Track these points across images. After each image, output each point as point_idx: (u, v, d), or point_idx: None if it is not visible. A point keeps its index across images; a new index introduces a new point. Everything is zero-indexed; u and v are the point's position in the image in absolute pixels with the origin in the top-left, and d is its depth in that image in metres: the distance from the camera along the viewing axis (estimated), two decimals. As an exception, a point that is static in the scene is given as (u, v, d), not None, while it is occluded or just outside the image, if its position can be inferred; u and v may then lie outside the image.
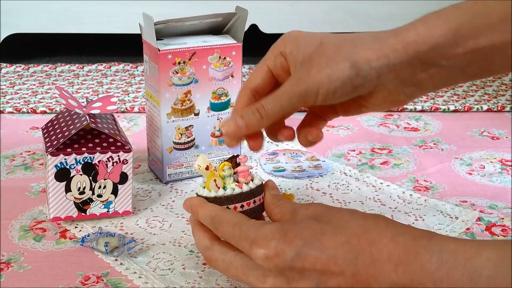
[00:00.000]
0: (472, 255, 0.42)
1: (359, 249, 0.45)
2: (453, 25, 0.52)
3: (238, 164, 0.57)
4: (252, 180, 0.56)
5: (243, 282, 0.51)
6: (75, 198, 0.65)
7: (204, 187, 0.56)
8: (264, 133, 0.59)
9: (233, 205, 0.54)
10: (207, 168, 0.56)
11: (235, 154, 0.58)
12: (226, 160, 0.57)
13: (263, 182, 0.57)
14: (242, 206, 0.55)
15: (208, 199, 0.55)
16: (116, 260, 0.60)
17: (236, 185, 0.55)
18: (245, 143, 0.58)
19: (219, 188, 0.55)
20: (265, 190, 0.57)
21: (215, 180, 0.55)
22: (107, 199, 0.66)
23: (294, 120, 0.59)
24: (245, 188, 0.55)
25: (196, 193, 0.57)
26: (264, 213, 0.57)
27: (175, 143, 0.75)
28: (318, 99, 0.52)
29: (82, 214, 0.66)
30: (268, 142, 0.89)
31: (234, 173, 0.56)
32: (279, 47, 0.57)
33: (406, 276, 0.43)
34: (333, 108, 0.59)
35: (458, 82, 0.56)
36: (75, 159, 0.64)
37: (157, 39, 0.72)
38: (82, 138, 0.65)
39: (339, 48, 0.52)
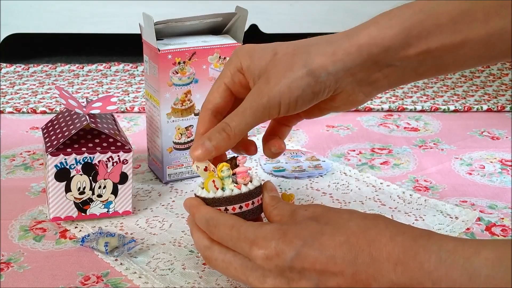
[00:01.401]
0: (471, 254, 0.42)
1: (358, 249, 0.45)
2: (405, 26, 0.53)
3: (237, 165, 0.57)
4: (251, 181, 0.56)
5: (242, 282, 0.51)
6: (75, 198, 0.65)
7: (203, 188, 0.56)
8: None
9: (231, 206, 0.54)
10: (205, 169, 0.55)
11: (235, 155, 0.57)
12: (225, 161, 0.57)
13: (262, 183, 0.57)
14: (240, 207, 0.55)
15: (206, 200, 0.55)
16: (116, 260, 0.60)
17: (234, 186, 0.55)
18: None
19: (217, 189, 0.55)
20: (264, 192, 0.57)
21: (213, 181, 0.55)
22: (107, 199, 0.66)
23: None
24: (244, 189, 0.55)
25: (195, 194, 0.57)
26: (262, 215, 0.57)
27: (175, 143, 0.75)
28: (281, 110, 0.53)
29: (82, 214, 0.66)
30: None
31: (233, 174, 0.56)
32: (235, 63, 0.56)
33: (405, 275, 0.43)
34: (296, 113, 0.58)
35: (412, 81, 0.57)
36: (75, 159, 0.64)
37: (157, 39, 0.72)
38: (82, 138, 0.65)
39: (293, 56, 0.53)
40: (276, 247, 0.47)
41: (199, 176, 0.77)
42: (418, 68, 0.54)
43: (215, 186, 0.55)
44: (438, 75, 0.57)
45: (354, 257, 0.45)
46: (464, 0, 0.52)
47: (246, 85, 0.56)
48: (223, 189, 0.55)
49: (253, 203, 0.55)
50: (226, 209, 0.54)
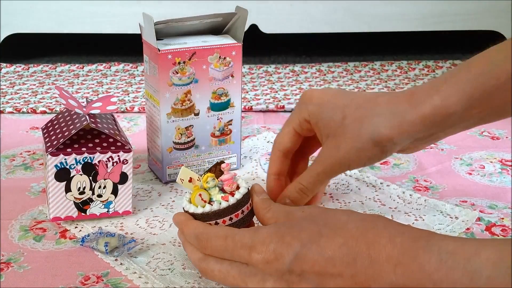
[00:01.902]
0: (472, 255, 0.42)
1: (357, 251, 0.45)
2: (467, 92, 0.54)
3: (222, 172, 0.56)
4: (238, 187, 0.56)
5: None
6: (75, 198, 0.65)
7: (191, 202, 0.55)
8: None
9: (221, 219, 0.54)
10: (190, 181, 0.55)
11: (218, 161, 0.57)
12: (209, 170, 0.56)
13: (249, 188, 0.57)
14: (230, 219, 0.54)
15: (195, 215, 0.55)
16: (116, 260, 0.60)
17: (222, 196, 0.54)
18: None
19: (205, 201, 0.55)
20: (253, 195, 0.56)
21: (200, 195, 0.55)
22: (107, 199, 0.66)
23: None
24: (232, 200, 0.54)
25: (183, 208, 0.56)
26: (255, 218, 0.57)
27: (175, 143, 0.75)
28: (350, 169, 0.60)
29: (82, 214, 0.66)
30: (267, 142, 0.89)
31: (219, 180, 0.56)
32: (303, 114, 0.61)
33: (405, 277, 0.43)
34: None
35: (471, 127, 0.59)
36: (75, 159, 0.64)
37: (157, 39, 0.72)
38: (82, 138, 0.65)
39: (361, 125, 0.57)
40: (275, 251, 0.47)
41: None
42: (479, 122, 0.57)
43: (202, 199, 0.55)
44: (500, 119, 0.59)
45: (353, 259, 0.45)
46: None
47: (312, 131, 0.62)
48: (210, 200, 0.55)
49: (242, 212, 0.55)
50: (216, 223, 0.54)
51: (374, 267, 0.44)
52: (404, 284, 0.43)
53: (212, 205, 0.54)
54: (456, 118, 0.55)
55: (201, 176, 0.56)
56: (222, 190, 0.56)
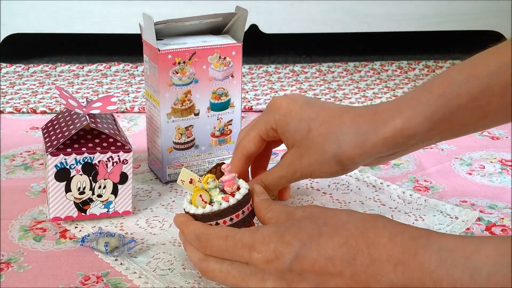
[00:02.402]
0: (472, 252, 0.42)
1: (357, 250, 0.45)
2: (428, 113, 0.56)
3: (222, 173, 0.56)
4: (238, 188, 0.56)
5: None
6: (75, 198, 0.65)
7: (191, 203, 0.55)
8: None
9: (222, 220, 0.54)
10: (190, 182, 0.55)
11: (219, 162, 0.57)
12: (210, 171, 0.56)
13: (249, 189, 0.57)
14: (231, 219, 0.54)
15: (196, 216, 0.55)
16: (116, 260, 0.60)
17: (222, 197, 0.54)
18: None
19: (206, 202, 0.55)
20: (254, 196, 0.57)
21: (201, 196, 0.55)
22: (107, 199, 0.66)
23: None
24: (232, 201, 0.54)
25: (184, 209, 0.56)
26: (255, 219, 0.57)
27: (175, 143, 0.75)
28: (311, 178, 0.63)
29: (82, 214, 0.66)
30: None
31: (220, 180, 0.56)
32: (271, 122, 0.62)
33: (405, 275, 0.43)
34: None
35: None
36: (75, 159, 0.64)
37: (157, 39, 0.72)
38: (82, 138, 0.65)
39: (325, 141, 0.59)
40: (275, 250, 0.47)
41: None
42: (440, 139, 0.60)
43: (203, 200, 0.55)
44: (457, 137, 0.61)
45: (353, 258, 0.45)
46: (481, 79, 0.55)
47: (278, 137, 0.64)
48: (211, 201, 0.55)
49: (243, 212, 0.55)
50: (217, 223, 0.54)
51: (374, 266, 0.44)
52: (404, 283, 0.43)
53: (212, 205, 0.54)
54: (418, 139, 0.57)
55: (201, 177, 0.56)
56: (222, 191, 0.56)
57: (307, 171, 0.61)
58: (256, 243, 0.48)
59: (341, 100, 1.07)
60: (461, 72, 0.56)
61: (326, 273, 0.46)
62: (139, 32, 0.75)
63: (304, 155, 0.60)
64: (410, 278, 0.43)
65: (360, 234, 0.46)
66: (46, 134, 0.67)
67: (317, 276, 0.46)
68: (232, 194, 0.55)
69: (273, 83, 1.18)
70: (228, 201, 0.54)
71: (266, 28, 1.32)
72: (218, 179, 0.56)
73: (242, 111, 0.80)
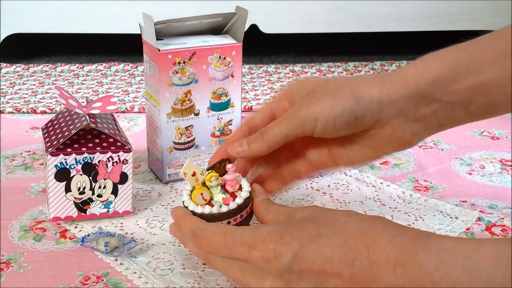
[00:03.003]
0: (471, 253, 0.42)
1: (356, 252, 0.45)
2: (451, 62, 0.53)
3: (226, 171, 0.56)
4: (240, 188, 0.56)
5: (242, 284, 0.51)
6: (75, 198, 0.65)
7: (191, 198, 0.55)
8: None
9: (220, 222, 0.54)
10: (193, 175, 0.55)
11: (224, 159, 0.57)
12: (213, 166, 0.56)
13: (250, 192, 0.56)
14: (228, 222, 0.54)
15: (195, 213, 0.55)
16: (116, 260, 0.60)
17: (223, 198, 0.54)
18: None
19: (205, 200, 0.55)
20: (253, 196, 0.56)
21: (202, 194, 0.55)
22: (107, 199, 0.66)
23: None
24: (232, 205, 0.54)
25: (183, 202, 0.56)
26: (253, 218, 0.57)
27: (175, 143, 0.75)
28: (318, 125, 0.54)
29: (82, 214, 0.66)
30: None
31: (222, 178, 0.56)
32: (285, 91, 0.59)
33: (404, 277, 0.43)
34: (333, 158, 0.60)
35: (462, 122, 0.56)
36: (75, 159, 0.64)
37: (157, 39, 0.72)
38: (82, 138, 0.65)
39: (342, 84, 0.55)
40: (275, 249, 0.47)
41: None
42: (469, 106, 0.54)
43: (203, 198, 0.55)
44: (488, 116, 0.56)
45: (352, 259, 0.45)
46: (505, 41, 0.53)
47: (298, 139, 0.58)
48: (211, 198, 0.55)
49: (241, 216, 0.55)
50: None
51: (373, 267, 0.44)
52: (403, 284, 0.43)
53: (212, 206, 0.54)
54: (440, 88, 0.53)
55: (205, 171, 0.56)
56: (223, 187, 0.56)
57: (314, 109, 0.54)
58: (256, 242, 0.48)
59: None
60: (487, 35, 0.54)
61: (325, 273, 0.46)
62: (139, 32, 0.75)
63: (316, 96, 0.55)
64: (409, 280, 0.43)
65: (359, 235, 0.46)
66: (46, 134, 0.67)
67: (316, 276, 0.46)
68: (233, 195, 0.55)
69: (273, 83, 1.18)
70: (228, 205, 0.54)
71: (266, 28, 1.32)
72: (221, 176, 0.56)
73: (242, 111, 0.80)
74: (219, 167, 0.56)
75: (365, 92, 0.53)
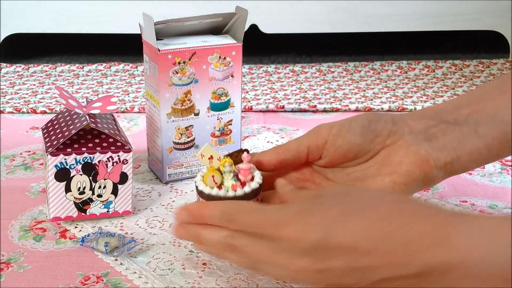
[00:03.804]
0: (508, 232, 0.41)
1: (389, 231, 0.44)
2: (452, 100, 0.58)
3: (242, 161, 0.56)
4: (252, 179, 0.56)
5: (266, 267, 0.50)
6: (75, 198, 0.65)
7: (202, 180, 0.56)
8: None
9: None
10: (211, 158, 0.56)
11: (243, 149, 0.57)
12: (231, 154, 0.57)
13: (261, 184, 0.56)
14: None
15: (202, 193, 0.55)
16: (116, 260, 0.60)
17: (232, 184, 0.55)
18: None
19: (216, 183, 0.55)
20: (279, 188, 0.56)
21: (213, 176, 0.55)
22: (107, 199, 0.66)
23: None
24: (239, 192, 0.54)
25: (195, 182, 0.57)
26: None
27: (175, 143, 0.75)
28: (332, 131, 0.57)
29: (82, 214, 0.66)
30: (267, 142, 0.89)
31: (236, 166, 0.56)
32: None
33: (437, 257, 0.42)
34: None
35: (475, 145, 0.56)
36: (75, 159, 0.64)
37: (157, 39, 0.72)
38: (82, 138, 0.65)
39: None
40: (304, 228, 0.46)
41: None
42: (477, 128, 0.55)
43: (214, 181, 0.55)
44: (503, 139, 0.56)
45: (384, 239, 0.44)
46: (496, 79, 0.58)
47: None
48: (222, 184, 0.55)
49: None
50: None
51: (406, 247, 0.43)
52: (436, 264, 0.42)
53: (220, 189, 0.55)
54: (445, 114, 0.57)
55: (223, 157, 0.56)
56: (236, 176, 0.56)
57: (327, 124, 0.58)
58: (285, 220, 0.47)
59: (341, 100, 1.07)
60: None
61: (356, 252, 0.45)
62: (139, 32, 0.75)
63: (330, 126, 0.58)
64: (442, 260, 0.42)
65: (393, 214, 0.45)
66: (46, 134, 0.67)
67: (347, 254, 0.45)
68: (243, 183, 0.55)
69: (273, 83, 1.18)
70: (235, 191, 0.54)
71: (266, 28, 1.32)
72: (236, 164, 0.56)
73: (242, 111, 0.80)
74: (236, 156, 0.57)
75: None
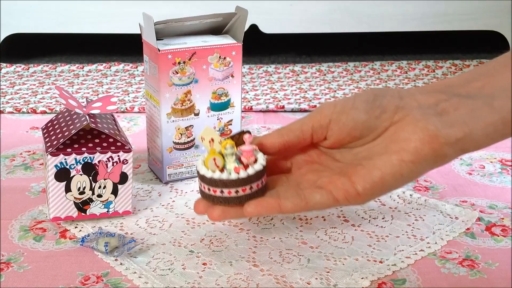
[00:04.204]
0: None
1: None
2: (462, 74, 0.56)
3: (244, 143, 0.55)
4: (255, 160, 0.54)
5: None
6: (75, 198, 0.65)
7: (204, 164, 0.54)
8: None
9: (227, 190, 0.53)
10: (212, 140, 0.54)
11: (244, 130, 0.55)
12: (232, 137, 0.55)
13: (264, 166, 0.55)
14: (236, 192, 0.53)
15: (204, 178, 0.54)
16: (116, 260, 0.60)
17: (235, 167, 0.53)
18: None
19: (218, 167, 0.53)
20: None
21: (214, 159, 0.53)
22: (107, 199, 0.66)
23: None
24: (242, 174, 0.53)
25: (196, 166, 0.55)
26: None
27: (175, 143, 0.75)
28: (336, 108, 0.54)
29: (82, 214, 0.66)
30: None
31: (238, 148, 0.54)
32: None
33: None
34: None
35: (490, 119, 0.52)
36: (75, 159, 0.64)
37: (157, 39, 0.72)
38: (82, 138, 0.65)
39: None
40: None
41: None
42: (491, 102, 0.51)
43: (215, 164, 0.53)
44: None
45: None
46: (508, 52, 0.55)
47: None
48: (224, 167, 0.54)
49: (251, 188, 0.53)
50: (222, 191, 0.53)
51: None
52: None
53: (223, 172, 0.53)
54: (456, 88, 0.55)
55: (223, 140, 0.54)
56: (239, 159, 0.54)
57: (331, 102, 0.54)
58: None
59: (341, 100, 1.07)
60: None
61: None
62: (139, 32, 0.75)
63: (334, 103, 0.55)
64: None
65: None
66: (46, 134, 0.67)
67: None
68: (246, 166, 0.53)
69: (273, 83, 1.18)
70: (238, 173, 0.53)
71: (266, 28, 1.32)
72: (237, 147, 0.54)
73: (242, 111, 0.80)
74: (238, 138, 0.55)
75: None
